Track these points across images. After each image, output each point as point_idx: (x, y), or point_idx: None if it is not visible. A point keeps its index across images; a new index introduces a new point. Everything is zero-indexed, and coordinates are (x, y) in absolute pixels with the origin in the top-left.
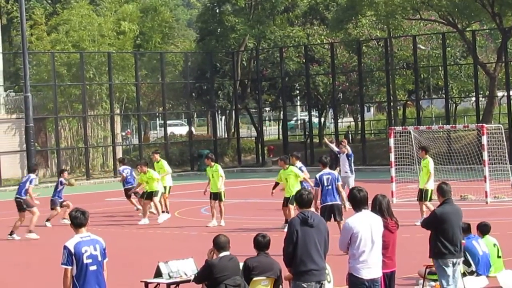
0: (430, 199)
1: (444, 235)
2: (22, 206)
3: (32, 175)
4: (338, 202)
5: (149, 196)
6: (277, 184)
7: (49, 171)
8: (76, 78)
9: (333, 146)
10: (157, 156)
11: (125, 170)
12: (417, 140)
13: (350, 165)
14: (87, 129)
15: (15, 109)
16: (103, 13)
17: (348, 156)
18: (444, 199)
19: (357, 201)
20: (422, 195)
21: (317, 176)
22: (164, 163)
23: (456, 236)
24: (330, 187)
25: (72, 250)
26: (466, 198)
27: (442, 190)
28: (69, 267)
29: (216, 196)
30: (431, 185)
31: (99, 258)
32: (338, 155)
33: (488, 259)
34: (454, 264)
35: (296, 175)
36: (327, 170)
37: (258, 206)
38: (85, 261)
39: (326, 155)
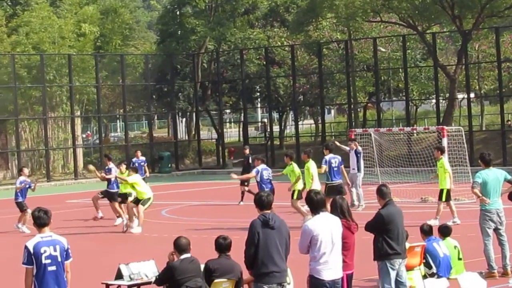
0: (448, 199)
1: (390, 236)
2: None
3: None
4: None
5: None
6: None
7: (9, 173)
8: (37, 80)
9: (345, 147)
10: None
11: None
12: (378, 142)
13: (358, 162)
14: (48, 131)
15: None
16: (63, 15)
17: (356, 153)
18: (385, 200)
19: (315, 204)
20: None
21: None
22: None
23: (401, 236)
24: None
25: (32, 250)
26: (426, 200)
27: (382, 192)
28: (30, 267)
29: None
30: (448, 185)
31: (59, 259)
32: (349, 152)
33: (449, 261)
34: (399, 265)
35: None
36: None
37: (219, 208)
38: (44, 261)
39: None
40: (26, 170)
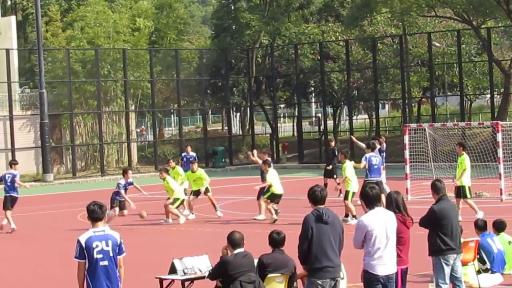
0: (469, 196)
1: (444, 231)
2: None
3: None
4: None
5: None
6: None
7: (63, 168)
8: (91, 75)
9: (361, 143)
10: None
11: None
12: (432, 137)
13: (381, 160)
14: (102, 126)
15: (30, 106)
16: (118, 9)
17: (380, 151)
18: (438, 196)
19: (370, 198)
20: (460, 193)
21: None
22: (179, 169)
23: (455, 231)
24: None
25: (83, 245)
26: (481, 196)
27: (436, 187)
28: (82, 261)
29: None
30: (467, 182)
31: (111, 254)
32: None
33: (503, 256)
34: (453, 260)
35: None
36: None
37: None
38: (96, 256)
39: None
40: (130, 173)
